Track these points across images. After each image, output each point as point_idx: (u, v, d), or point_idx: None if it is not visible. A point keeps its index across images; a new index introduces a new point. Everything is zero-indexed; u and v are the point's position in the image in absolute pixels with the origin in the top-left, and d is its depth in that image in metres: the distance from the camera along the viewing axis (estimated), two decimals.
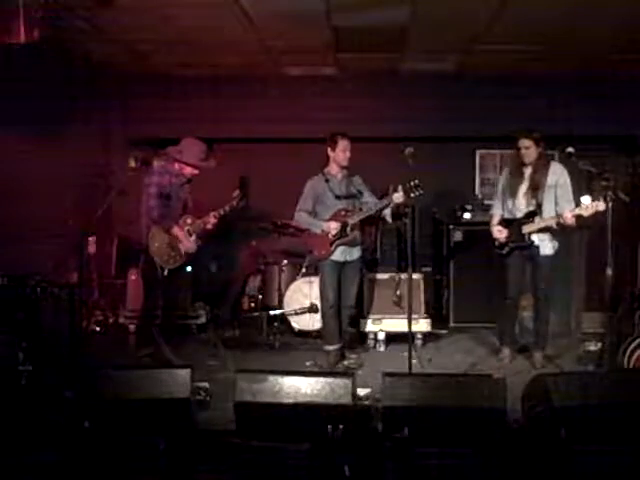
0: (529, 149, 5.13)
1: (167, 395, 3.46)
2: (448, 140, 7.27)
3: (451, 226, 6.83)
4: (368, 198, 5.36)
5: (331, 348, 5.32)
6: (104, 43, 6.06)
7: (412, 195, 4.86)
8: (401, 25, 5.54)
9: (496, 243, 5.32)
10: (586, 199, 4.79)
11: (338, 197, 5.27)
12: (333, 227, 5.20)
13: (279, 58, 6.63)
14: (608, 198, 4.58)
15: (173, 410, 3.45)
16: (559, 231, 5.12)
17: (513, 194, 5.25)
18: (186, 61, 6.70)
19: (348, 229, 5.21)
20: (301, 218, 5.36)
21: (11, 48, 4.52)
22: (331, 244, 5.22)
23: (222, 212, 5.36)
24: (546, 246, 5.17)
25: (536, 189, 5.12)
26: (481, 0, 4.96)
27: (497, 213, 5.43)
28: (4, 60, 4.99)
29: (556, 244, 5.20)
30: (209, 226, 5.37)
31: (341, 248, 5.25)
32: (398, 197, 4.96)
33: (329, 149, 5.31)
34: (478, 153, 7.57)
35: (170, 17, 5.29)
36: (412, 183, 4.85)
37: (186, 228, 5.32)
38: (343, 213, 5.25)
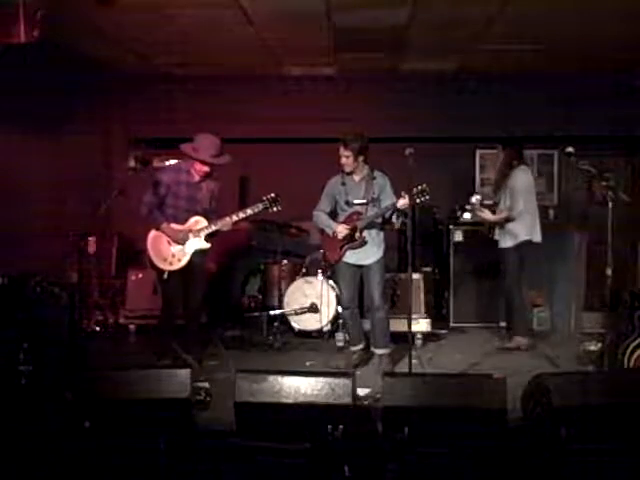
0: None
1: (167, 395, 3.46)
2: (448, 140, 7.27)
3: (451, 226, 6.84)
4: (386, 202, 5.02)
5: (353, 348, 5.30)
6: (104, 43, 6.07)
7: (418, 201, 4.75)
8: (401, 25, 5.54)
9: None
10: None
11: (347, 203, 5.09)
12: (340, 230, 5.04)
13: (279, 58, 6.63)
14: (608, 198, 4.59)
15: (173, 410, 3.44)
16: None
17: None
18: (186, 61, 6.70)
19: (357, 234, 5.02)
20: (318, 218, 5.21)
21: (11, 48, 4.53)
22: (341, 248, 5.08)
23: (242, 215, 4.98)
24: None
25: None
26: (481, 0, 4.97)
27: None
28: (4, 60, 4.99)
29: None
30: (225, 228, 4.99)
31: (353, 251, 5.08)
32: (403, 204, 4.78)
33: None
34: (478, 153, 7.57)
35: (170, 17, 5.29)
36: (419, 188, 4.71)
37: (196, 228, 4.99)
38: (355, 217, 5.07)
